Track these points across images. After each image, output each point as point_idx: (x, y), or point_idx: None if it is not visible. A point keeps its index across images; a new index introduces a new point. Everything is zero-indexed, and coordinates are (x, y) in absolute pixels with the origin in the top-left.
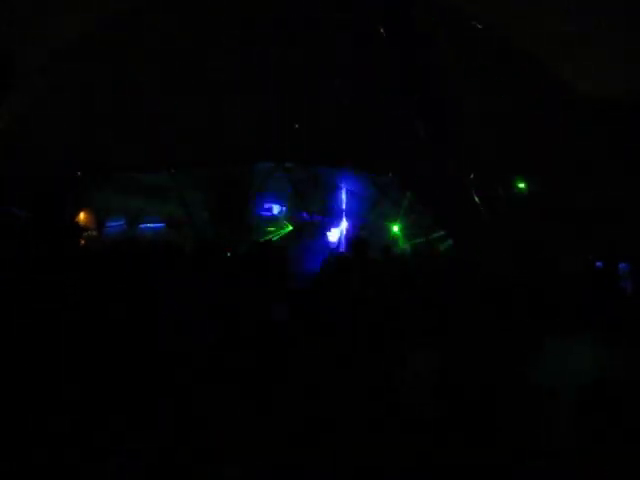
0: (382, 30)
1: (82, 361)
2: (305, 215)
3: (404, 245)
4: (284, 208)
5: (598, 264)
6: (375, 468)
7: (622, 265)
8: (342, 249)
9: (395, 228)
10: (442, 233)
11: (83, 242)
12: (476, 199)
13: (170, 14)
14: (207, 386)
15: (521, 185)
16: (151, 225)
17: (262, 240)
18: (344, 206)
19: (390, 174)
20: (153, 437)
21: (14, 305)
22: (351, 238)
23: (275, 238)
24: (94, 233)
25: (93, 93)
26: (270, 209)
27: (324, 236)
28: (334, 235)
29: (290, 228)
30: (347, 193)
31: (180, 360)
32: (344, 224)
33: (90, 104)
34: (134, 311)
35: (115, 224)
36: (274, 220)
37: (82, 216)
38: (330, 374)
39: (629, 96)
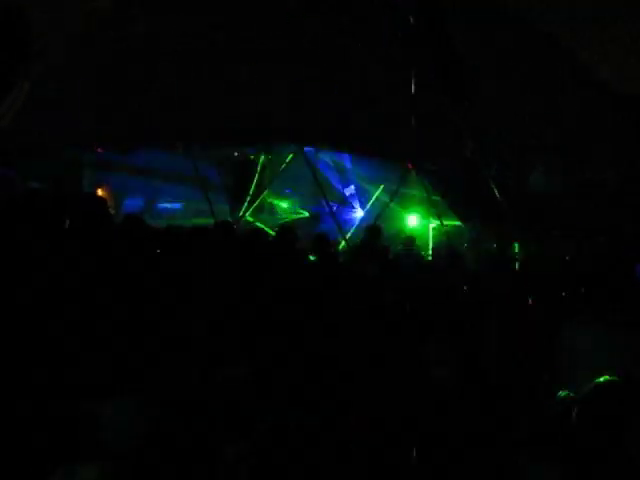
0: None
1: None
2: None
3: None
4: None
5: None
6: None
7: None
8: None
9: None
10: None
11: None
12: (495, 189)
13: None
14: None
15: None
16: (169, 205)
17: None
18: (359, 193)
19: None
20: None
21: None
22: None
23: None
24: (112, 211)
25: (108, 71)
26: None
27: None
28: None
29: (305, 214)
30: (363, 180)
31: None
32: (359, 212)
33: (106, 82)
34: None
35: (132, 203)
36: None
37: (99, 193)
38: None
39: None
